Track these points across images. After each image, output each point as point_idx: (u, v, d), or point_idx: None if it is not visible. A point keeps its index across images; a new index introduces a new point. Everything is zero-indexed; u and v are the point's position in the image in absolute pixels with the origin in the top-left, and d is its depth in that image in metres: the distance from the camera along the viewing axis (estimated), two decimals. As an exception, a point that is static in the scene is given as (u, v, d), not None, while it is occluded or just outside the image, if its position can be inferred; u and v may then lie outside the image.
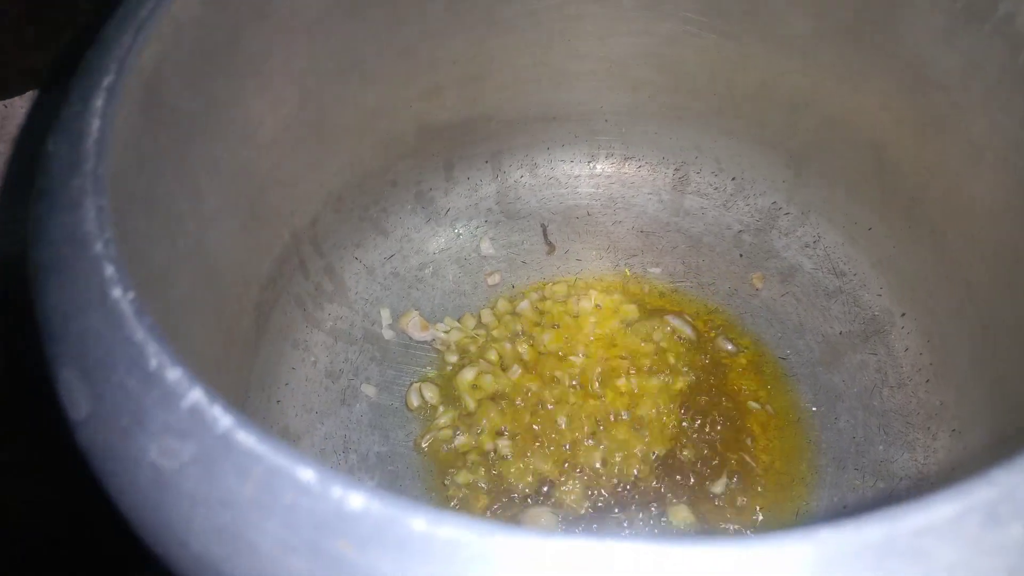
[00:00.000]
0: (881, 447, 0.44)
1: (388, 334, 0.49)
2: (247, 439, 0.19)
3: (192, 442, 0.19)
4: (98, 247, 0.22)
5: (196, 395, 0.19)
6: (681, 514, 0.41)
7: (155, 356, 0.20)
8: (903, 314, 0.47)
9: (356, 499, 0.18)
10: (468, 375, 0.47)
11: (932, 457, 0.42)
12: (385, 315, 0.50)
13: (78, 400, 0.20)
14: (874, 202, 0.46)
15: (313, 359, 0.47)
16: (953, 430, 0.42)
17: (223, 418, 0.19)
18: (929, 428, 0.43)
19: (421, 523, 0.17)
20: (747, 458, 0.44)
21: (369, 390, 0.47)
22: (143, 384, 0.20)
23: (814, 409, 0.45)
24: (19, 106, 0.49)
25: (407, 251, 0.52)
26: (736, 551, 0.17)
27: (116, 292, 0.21)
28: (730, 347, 0.48)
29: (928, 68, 0.39)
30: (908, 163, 0.43)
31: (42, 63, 0.48)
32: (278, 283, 0.45)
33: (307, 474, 0.18)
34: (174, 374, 0.20)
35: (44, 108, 0.48)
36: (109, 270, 0.22)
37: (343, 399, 0.47)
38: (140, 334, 0.20)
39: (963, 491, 0.18)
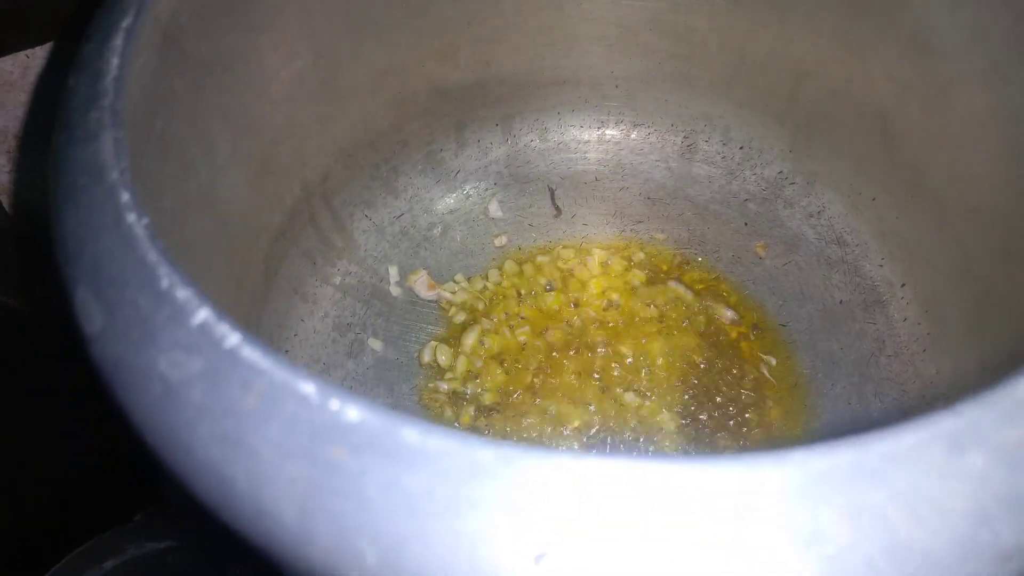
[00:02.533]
0: (876, 414, 0.44)
1: (396, 291, 0.50)
2: (252, 354, 0.20)
3: (200, 357, 0.20)
4: (114, 175, 0.23)
5: (205, 313, 0.20)
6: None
7: (166, 276, 0.21)
8: (903, 284, 0.47)
9: (353, 411, 0.19)
10: (472, 336, 0.48)
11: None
12: (393, 272, 0.51)
13: (92, 316, 0.21)
14: (878, 172, 0.47)
15: (322, 312, 0.48)
16: (947, 399, 0.43)
17: (231, 335, 0.20)
18: (924, 397, 0.44)
19: (412, 434, 0.18)
20: (745, 419, 0.44)
21: (376, 344, 0.48)
22: (154, 302, 0.21)
23: (812, 375, 0.46)
24: (40, 56, 0.50)
25: (416, 211, 0.53)
26: (713, 469, 0.18)
27: (130, 217, 0.22)
28: (730, 314, 0.48)
29: (933, 37, 0.39)
30: (912, 133, 0.43)
31: (65, 13, 0.48)
32: (288, 236, 0.46)
33: (308, 387, 0.19)
34: (184, 293, 0.21)
35: (62, 56, 0.49)
36: (124, 196, 0.23)
37: (350, 352, 0.48)
38: (153, 255, 0.21)
39: (929, 421, 0.18)
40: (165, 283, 0.21)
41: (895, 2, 0.39)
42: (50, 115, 0.27)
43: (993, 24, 0.36)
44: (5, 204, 0.56)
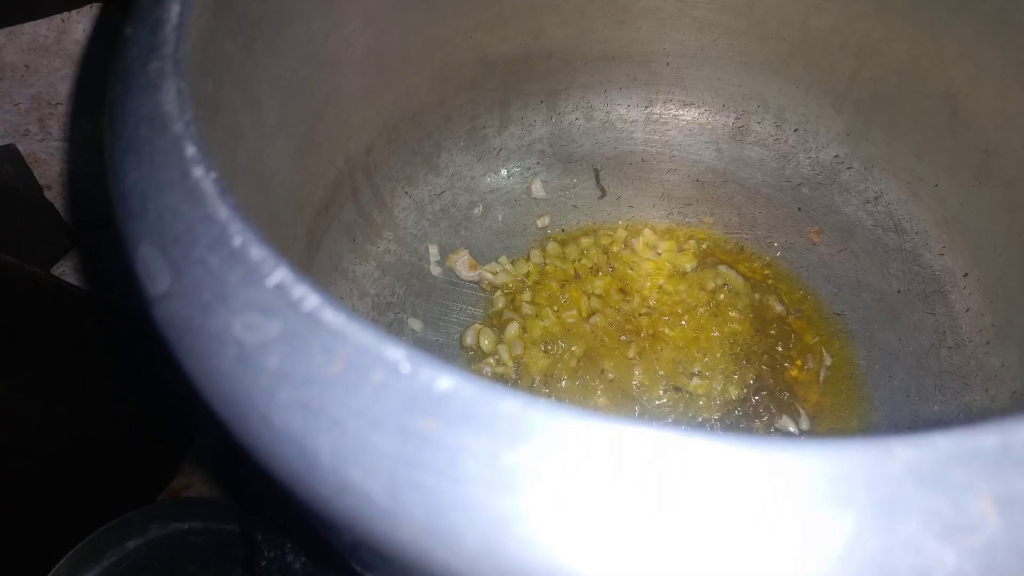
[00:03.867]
0: (936, 407, 0.43)
1: (436, 270, 0.49)
2: (335, 318, 0.18)
3: (278, 319, 0.18)
4: (178, 127, 0.22)
5: (282, 273, 0.19)
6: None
7: (239, 234, 0.20)
8: (966, 274, 0.45)
9: (445, 380, 0.17)
10: (514, 326, 0.46)
11: (990, 419, 0.41)
12: (433, 251, 0.49)
13: (157, 275, 0.20)
14: (943, 157, 0.45)
15: (361, 291, 0.47)
16: (1014, 392, 0.41)
17: (310, 296, 0.18)
18: (987, 390, 0.42)
19: (512, 405, 0.17)
20: (801, 410, 0.43)
21: (415, 324, 0.47)
22: (226, 261, 0.19)
23: (869, 366, 0.44)
24: (76, 20, 0.48)
25: (457, 189, 0.51)
26: (840, 453, 0.16)
27: (198, 171, 0.21)
28: (780, 308, 0.46)
29: (1016, 12, 0.37)
30: (985, 115, 0.41)
31: (101, -23, 0.47)
32: (330, 210, 0.44)
33: (397, 353, 0.17)
34: (259, 252, 0.19)
35: (107, 26, 0.48)
36: (191, 150, 0.21)
37: (389, 332, 0.46)
38: (223, 212, 0.20)
39: (1082, 405, 0.17)
40: (238, 241, 0.19)
41: (978, -25, 0.37)
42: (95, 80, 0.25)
43: (1086, -3, 0.34)
44: (36, 174, 0.54)
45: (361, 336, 0.18)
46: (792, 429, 0.43)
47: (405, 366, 0.17)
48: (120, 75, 0.24)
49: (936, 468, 0.16)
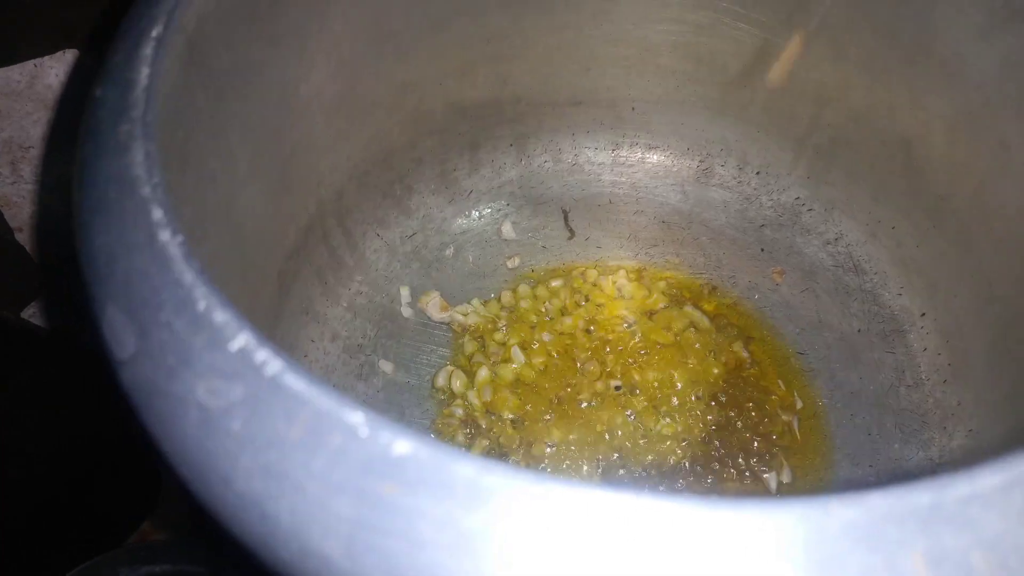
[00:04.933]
0: (896, 445, 0.44)
1: (407, 312, 0.49)
2: (296, 383, 0.19)
3: (240, 383, 0.19)
4: (146, 190, 0.22)
5: (245, 338, 0.19)
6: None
7: (204, 298, 0.20)
8: (923, 314, 0.47)
9: (403, 444, 0.18)
10: (484, 370, 0.47)
11: (948, 456, 0.42)
12: (404, 293, 0.50)
13: (123, 338, 0.20)
14: (899, 200, 0.46)
15: (332, 333, 0.47)
16: (970, 430, 0.42)
17: (272, 361, 0.19)
18: (945, 428, 0.44)
19: (468, 469, 0.17)
20: (764, 451, 0.44)
21: (386, 367, 0.47)
22: (191, 325, 0.20)
23: (831, 405, 0.45)
24: (48, 65, 0.49)
25: (428, 230, 0.52)
26: (781, 512, 0.17)
27: (165, 235, 0.21)
28: (745, 353, 0.47)
29: (963, 65, 0.39)
30: (937, 161, 0.43)
31: (73, 22, 0.48)
32: (301, 253, 0.45)
33: (356, 418, 0.18)
34: (223, 316, 0.20)
35: (83, 71, 0.48)
36: (158, 213, 0.22)
37: (360, 374, 0.47)
38: (189, 276, 0.20)
39: (1010, 463, 0.18)
40: (202, 305, 0.20)
41: (926, 30, 0.39)
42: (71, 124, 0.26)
43: (1026, 54, 0.36)
44: (7, 216, 0.54)
45: (321, 400, 0.18)
46: (767, 476, 0.43)
47: (363, 430, 0.18)
48: (90, 135, 0.25)
49: (871, 526, 0.17)
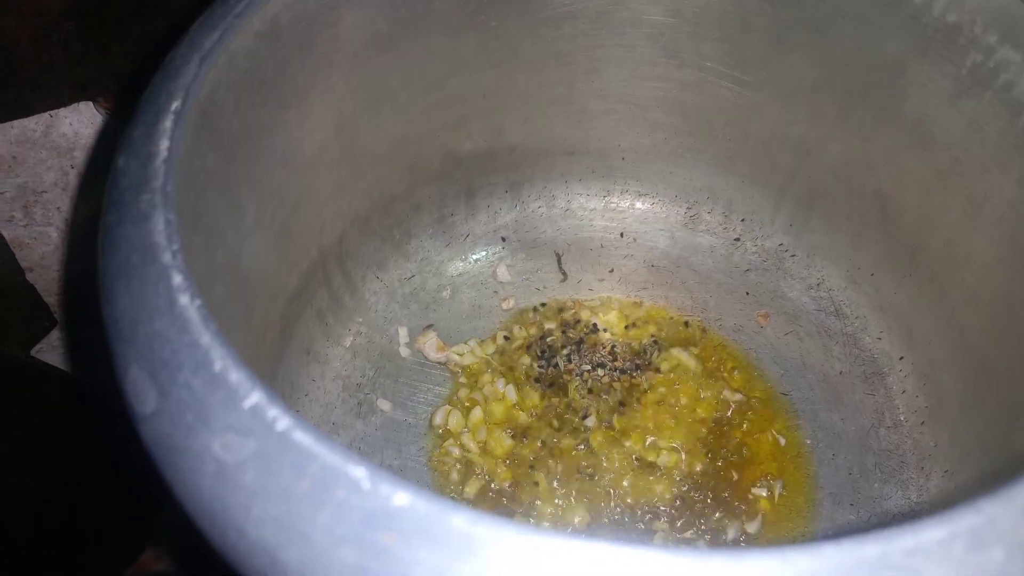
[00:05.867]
0: (876, 484, 0.45)
1: (405, 352, 0.51)
2: (304, 438, 0.20)
3: (253, 439, 0.21)
4: (167, 257, 0.24)
5: (257, 396, 0.21)
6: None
7: (220, 359, 0.22)
8: (901, 357, 0.49)
9: (402, 497, 0.19)
10: (478, 411, 0.48)
11: (925, 496, 0.44)
12: (403, 333, 0.52)
13: (145, 396, 0.22)
14: (877, 249, 0.48)
15: (332, 373, 0.49)
16: (945, 471, 0.44)
17: (282, 418, 0.21)
18: (923, 468, 0.45)
19: (461, 521, 0.19)
20: (747, 492, 0.45)
21: (384, 405, 0.49)
22: (208, 384, 0.22)
23: (814, 445, 0.47)
24: (63, 116, 0.51)
25: (426, 273, 0.54)
26: (741, 562, 0.19)
27: (184, 299, 0.23)
28: (734, 396, 0.49)
29: (932, 127, 0.41)
30: (911, 214, 0.45)
31: (86, 77, 0.50)
32: (303, 297, 0.47)
33: (358, 472, 0.20)
34: (237, 376, 0.22)
35: (107, 135, 0.51)
36: (177, 279, 0.24)
37: (359, 412, 0.49)
38: (206, 338, 0.22)
39: (951, 517, 0.19)
40: (219, 366, 0.22)
41: (895, 93, 0.41)
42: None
43: (991, 117, 0.38)
44: (18, 257, 0.56)
45: (327, 455, 0.20)
46: (751, 512, 0.45)
47: (366, 484, 0.20)
48: (113, 204, 0.27)
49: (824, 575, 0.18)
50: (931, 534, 0.19)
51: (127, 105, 0.51)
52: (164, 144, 0.27)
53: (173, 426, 0.22)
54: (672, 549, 0.19)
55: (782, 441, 0.47)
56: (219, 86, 0.33)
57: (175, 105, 0.28)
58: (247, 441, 0.21)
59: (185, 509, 0.21)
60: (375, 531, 0.19)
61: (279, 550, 0.20)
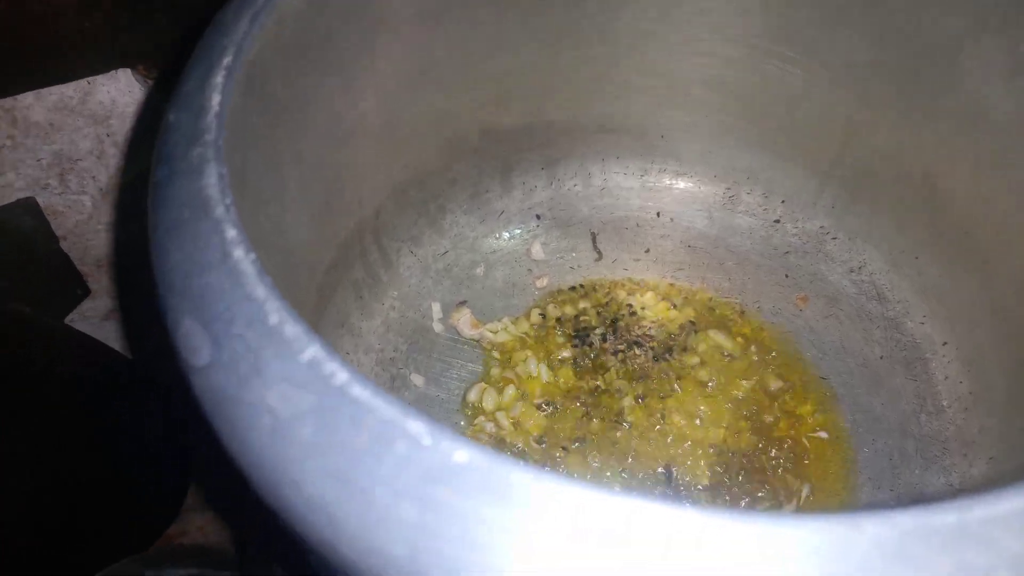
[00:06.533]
0: (917, 471, 0.45)
1: (438, 327, 0.51)
2: (363, 393, 0.20)
3: (310, 393, 0.20)
4: (219, 211, 0.24)
5: (315, 350, 0.21)
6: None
7: (275, 312, 0.22)
8: (945, 343, 0.48)
9: (462, 453, 0.19)
10: (512, 388, 0.48)
11: (968, 483, 0.43)
12: (436, 309, 0.51)
13: (199, 348, 0.22)
14: (923, 232, 0.47)
15: (366, 346, 0.49)
16: (991, 458, 0.43)
17: (340, 372, 0.20)
18: (966, 455, 0.44)
19: (523, 477, 0.19)
20: (785, 474, 0.45)
21: (418, 380, 0.49)
22: (263, 337, 0.21)
23: (853, 429, 0.46)
24: (101, 83, 0.51)
25: (460, 249, 0.54)
26: (808, 527, 0.18)
27: (238, 253, 0.23)
28: (773, 380, 0.48)
29: (986, 108, 0.40)
30: (961, 196, 0.44)
31: (127, 44, 0.50)
32: (339, 269, 0.46)
33: (418, 427, 0.19)
34: (294, 330, 0.21)
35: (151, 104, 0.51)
36: (231, 232, 0.23)
37: (392, 387, 0.48)
38: (261, 291, 0.22)
39: (1032, 487, 0.19)
40: (274, 319, 0.21)
41: (949, 73, 0.40)
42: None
43: (1049, 95, 0.37)
44: (52, 225, 0.57)
45: (386, 409, 0.20)
46: (790, 496, 0.44)
47: (427, 439, 0.19)
48: (164, 159, 0.26)
49: (898, 543, 0.18)
50: (1011, 503, 0.18)
51: (168, 73, 0.51)
52: (216, 99, 0.27)
53: (227, 378, 0.21)
54: (729, 512, 0.18)
55: (821, 429, 0.46)
56: (267, 47, 0.33)
57: (227, 60, 0.28)
58: (304, 395, 0.20)
59: (238, 464, 0.21)
60: (435, 487, 0.19)
61: (336, 506, 0.19)
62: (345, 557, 0.19)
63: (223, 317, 0.22)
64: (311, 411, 0.20)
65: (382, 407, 0.20)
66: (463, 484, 0.19)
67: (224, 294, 0.22)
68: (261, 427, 0.21)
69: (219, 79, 0.27)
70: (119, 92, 0.52)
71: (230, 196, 0.24)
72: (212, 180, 0.25)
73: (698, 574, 0.18)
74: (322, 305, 0.46)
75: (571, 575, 0.18)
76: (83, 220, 0.57)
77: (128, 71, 0.51)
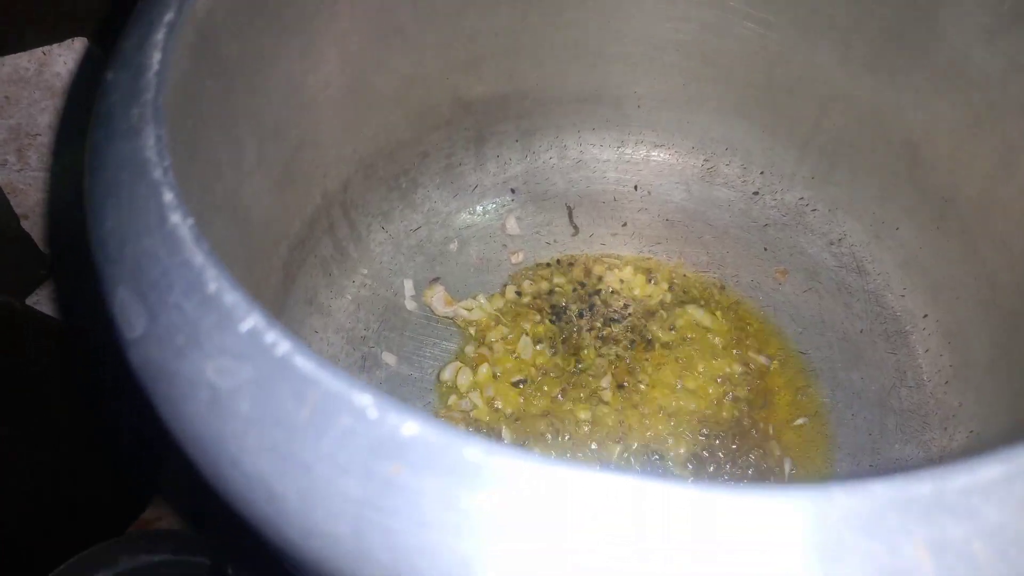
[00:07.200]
0: (897, 445, 0.44)
1: (411, 305, 0.50)
2: (306, 364, 0.19)
3: (249, 364, 0.19)
4: (157, 173, 0.22)
5: (255, 319, 0.20)
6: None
7: (213, 280, 0.20)
8: (925, 315, 0.47)
9: (412, 426, 0.18)
10: (485, 367, 0.47)
11: (948, 457, 0.43)
12: (408, 286, 0.50)
13: (133, 319, 0.21)
14: (904, 201, 0.47)
15: (335, 324, 0.48)
16: (971, 432, 0.42)
17: (281, 342, 0.19)
18: (946, 429, 0.44)
19: (474, 452, 0.17)
20: (763, 450, 0.44)
21: (389, 359, 0.48)
22: (200, 306, 0.20)
23: (832, 404, 0.45)
24: (57, 53, 0.49)
25: (433, 224, 0.52)
26: (784, 498, 0.17)
27: (175, 217, 0.21)
28: (753, 355, 0.47)
29: (968, 67, 0.39)
30: (942, 163, 0.43)
31: (83, 11, 0.48)
32: (306, 244, 0.45)
33: (365, 399, 0.18)
34: (232, 298, 0.20)
35: (88, 58, 0.48)
36: (168, 196, 0.22)
37: (363, 366, 0.47)
38: (199, 258, 0.21)
39: (1011, 455, 0.18)
40: (212, 287, 0.20)
41: (931, 32, 0.39)
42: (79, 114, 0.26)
43: (1032, 55, 0.36)
44: (13, 203, 0.55)
45: (330, 381, 0.19)
46: (767, 472, 0.43)
47: (372, 411, 0.18)
48: (101, 119, 0.25)
49: (874, 514, 0.17)
50: (989, 472, 0.17)
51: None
52: (156, 56, 0.25)
53: (163, 350, 0.20)
54: (701, 484, 0.17)
55: (799, 406, 0.46)
56: (218, 6, 0.31)
57: (168, 16, 0.26)
58: (243, 366, 0.19)
59: (175, 440, 0.20)
60: (381, 461, 0.18)
61: (277, 481, 0.18)
62: (287, 537, 0.18)
63: (159, 285, 0.21)
64: (251, 383, 0.19)
65: (326, 379, 0.19)
66: (412, 459, 0.18)
67: (160, 261, 0.21)
68: (199, 401, 0.19)
69: (159, 36, 0.26)
70: (76, 62, 0.50)
71: (168, 159, 0.23)
72: (150, 142, 0.23)
73: (672, 549, 0.17)
74: (289, 281, 0.44)
75: (528, 554, 0.17)
76: (45, 198, 0.56)
77: (84, 40, 0.49)
